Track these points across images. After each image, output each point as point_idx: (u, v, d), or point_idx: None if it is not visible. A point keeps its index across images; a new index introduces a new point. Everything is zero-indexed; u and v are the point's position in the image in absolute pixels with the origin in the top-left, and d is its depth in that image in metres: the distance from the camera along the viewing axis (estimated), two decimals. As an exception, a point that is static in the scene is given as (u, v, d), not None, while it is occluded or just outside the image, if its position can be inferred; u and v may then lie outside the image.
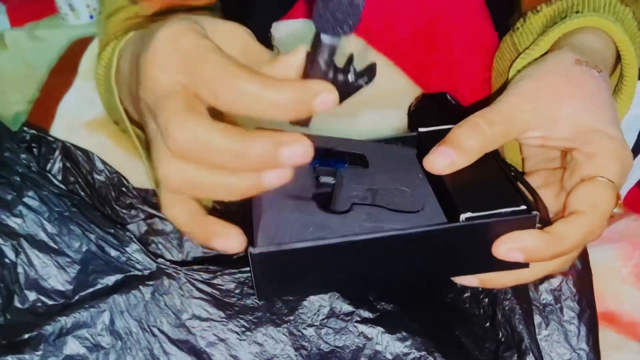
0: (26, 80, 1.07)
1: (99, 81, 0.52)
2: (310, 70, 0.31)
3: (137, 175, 0.55)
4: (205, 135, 0.29)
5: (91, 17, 1.05)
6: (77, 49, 0.70)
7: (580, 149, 0.40)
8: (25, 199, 0.43)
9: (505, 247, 0.36)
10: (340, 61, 0.33)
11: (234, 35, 0.35)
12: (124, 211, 0.51)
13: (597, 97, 0.42)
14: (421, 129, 0.44)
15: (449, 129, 0.40)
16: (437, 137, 0.40)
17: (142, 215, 0.51)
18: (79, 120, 0.58)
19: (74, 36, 1.02)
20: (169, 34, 0.32)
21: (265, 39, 0.66)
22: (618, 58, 0.49)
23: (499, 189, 0.38)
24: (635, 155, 0.54)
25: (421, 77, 0.62)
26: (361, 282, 0.38)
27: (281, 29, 0.66)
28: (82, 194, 0.49)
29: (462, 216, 0.35)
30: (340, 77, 0.32)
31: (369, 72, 0.33)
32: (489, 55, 0.58)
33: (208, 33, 0.34)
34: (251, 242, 0.34)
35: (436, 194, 0.40)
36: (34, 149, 0.46)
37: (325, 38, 0.31)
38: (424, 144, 0.41)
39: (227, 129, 0.30)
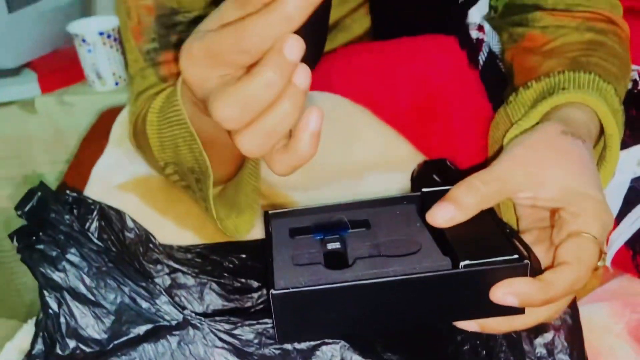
0: (54, 143, 1.14)
1: (151, 128, 0.57)
2: None
3: (162, 232, 0.60)
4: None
5: (117, 83, 1.12)
6: (107, 118, 0.77)
7: (566, 208, 0.45)
8: (68, 255, 0.48)
9: (501, 291, 0.41)
10: None
11: None
12: (151, 266, 0.56)
13: (580, 163, 0.47)
14: (424, 189, 0.48)
15: (450, 189, 0.45)
16: (439, 197, 0.44)
17: (166, 270, 0.56)
18: (111, 183, 0.64)
19: (100, 102, 1.09)
20: (184, 49, 0.37)
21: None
22: (602, 131, 0.54)
23: (495, 241, 0.42)
24: (620, 219, 0.59)
25: (423, 145, 0.68)
26: (370, 324, 0.42)
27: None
28: (114, 250, 0.54)
29: (462, 263, 0.40)
30: None
31: None
32: (485, 125, 0.64)
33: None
34: (271, 286, 0.39)
35: (436, 244, 0.45)
36: (75, 210, 0.51)
37: None
38: (427, 203, 0.46)
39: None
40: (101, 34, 1.06)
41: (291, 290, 0.38)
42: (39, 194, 0.50)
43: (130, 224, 0.56)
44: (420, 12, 0.69)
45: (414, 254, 0.43)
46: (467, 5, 0.69)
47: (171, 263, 0.57)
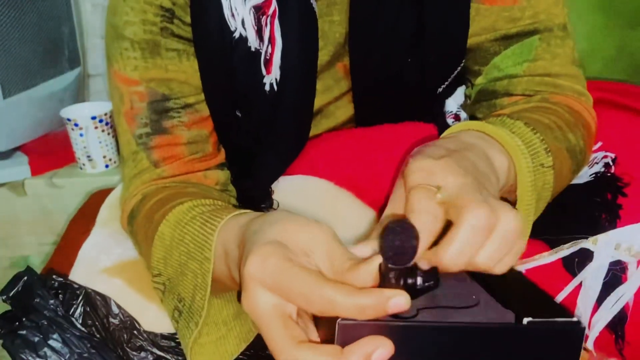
0: (41, 225, 1.14)
1: (161, 240, 0.57)
2: (384, 281, 0.38)
3: (147, 318, 0.60)
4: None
5: (107, 166, 1.14)
6: (95, 200, 0.78)
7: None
8: (50, 341, 0.47)
9: None
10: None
11: (318, 241, 0.41)
12: (134, 353, 0.56)
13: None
14: None
15: None
16: None
17: (150, 357, 0.56)
18: (96, 266, 0.64)
19: (89, 184, 1.11)
20: (258, 260, 0.40)
21: (266, 194, 0.74)
22: None
23: (544, 303, 0.43)
24: (600, 303, 0.60)
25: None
26: None
27: (281, 185, 0.74)
28: (98, 336, 0.54)
29: (525, 319, 0.39)
30: (410, 281, 0.38)
31: (434, 275, 0.39)
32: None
33: (293, 241, 0.41)
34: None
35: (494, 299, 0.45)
36: (60, 295, 0.51)
37: (391, 266, 0.38)
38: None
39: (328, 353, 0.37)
40: (93, 118, 1.09)
41: (358, 322, 0.38)
42: (25, 278, 0.50)
43: (115, 309, 0.56)
44: (401, 102, 0.72)
45: (474, 306, 0.43)
46: (444, 96, 0.72)
47: (155, 350, 0.56)
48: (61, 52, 1.23)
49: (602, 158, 0.68)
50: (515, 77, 0.66)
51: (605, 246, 0.60)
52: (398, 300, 0.36)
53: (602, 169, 0.67)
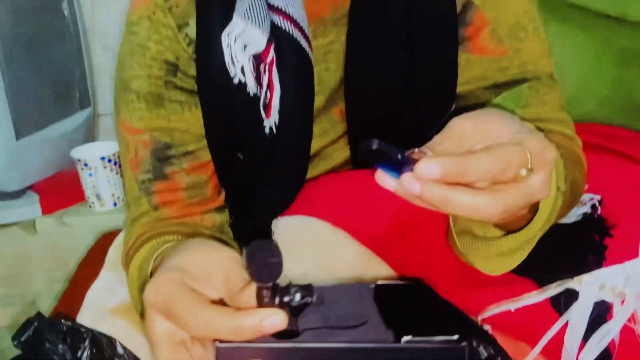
0: (52, 262, 1.17)
1: (131, 278, 0.62)
2: (260, 301, 0.40)
3: (151, 358, 0.63)
4: None
5: (115, 204, 1.18)
6: (104, 242, 0.81)
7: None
8: (59, 385, 0.50)
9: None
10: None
11: (218, 265, 0.44)
12: (139, 392, 0.58)
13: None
14: (379, 282, 0.51)
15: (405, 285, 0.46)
16: (394, 290, 0.47)
17: (154, 397, 0.58)
18: (103, 307, 0.67)
19: (98, 222, 1.14)
20: (154, 287, 0.43)
21: (266, 233, 0.76)
22: None
23: (443, 321, 0.44)
24: (586, 341, 0.62)
25: (399, 266, 0.71)
26: None
27: (280, 224, 0.77)
28: (104, 377, 0.56)
29: (403, 339, 0.41)
30: (286, 299, 0.40)
31: (308, 290, 0.41)
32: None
33: (196, 267, 0.43)
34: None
35: (382, 319, 0.46)
36: (68, 339, 0.54)
37: (259, 284, 0.40)
38: (381, 293, 0.47)
39: None
40: (102, 158, 1.13)
41: (236, 345, 0.39)
42: (36, 323, 0.53)
43: (120, 350, 0.59)
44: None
45: (360, 326, 0.44)
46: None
47: (159, 389, 0.59)
48: (72, 94, 1.28)
49: (589, 200, 0.70)
50: None
51: (590, 286, 0.62)
52: (273, 320, 0.37)
53: (590, 210, 0.70)
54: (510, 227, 0.56)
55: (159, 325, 0.41)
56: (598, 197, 0.69)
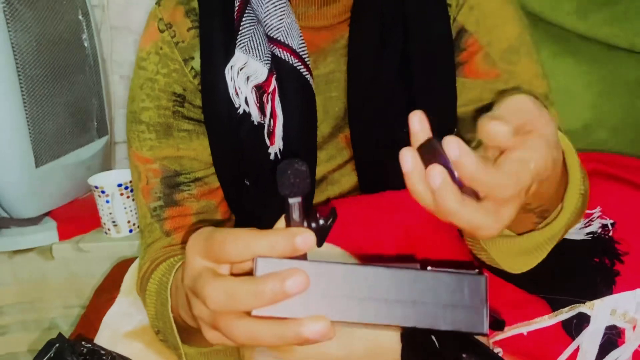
0: (68, 288, 1.19)
1: (150, 297, 0.63)
2: (289, 222, 0.42)
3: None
4: (231, 288, 0.39)
5: (130, 230, 1.19)
6: (120, 268, 0.83)
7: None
8: (77, 405, 0.51)
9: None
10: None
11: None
12: (154, 413, 0.59)
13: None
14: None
15: None
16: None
17: (168, 418, 0.59)
18: (119, 331, 0.68)
19: (114, 248, 1.16)
20: (194, 236, 0.43)
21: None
22: None
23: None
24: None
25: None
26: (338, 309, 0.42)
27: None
28: (120, 398, 0.57)
29: (428, 268, 0.42)
30: (313, 224, 0.42)
31: (332, 214, 0.44)
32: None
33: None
34: None
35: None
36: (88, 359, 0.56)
37: (290, 200, 0.42)
38: None
39: (246, 279, 0.39)
40: (119, 185, 1.15)
41: (275, 259, 0.40)
42: (57, 345, 0.55)
43: (136, 371, 0.60)
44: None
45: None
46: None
47: (172, 410, 0.60)
48: (90, 122, 1.30)
49: (598, 218, 0.71)
50: None
51: (601, 311, 0.62)
52: (305, 237, 0.38)
53: (599, 230, 0.70)
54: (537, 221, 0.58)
55: (200, 263, 0.42)
56: (611, 220, 0.70)
